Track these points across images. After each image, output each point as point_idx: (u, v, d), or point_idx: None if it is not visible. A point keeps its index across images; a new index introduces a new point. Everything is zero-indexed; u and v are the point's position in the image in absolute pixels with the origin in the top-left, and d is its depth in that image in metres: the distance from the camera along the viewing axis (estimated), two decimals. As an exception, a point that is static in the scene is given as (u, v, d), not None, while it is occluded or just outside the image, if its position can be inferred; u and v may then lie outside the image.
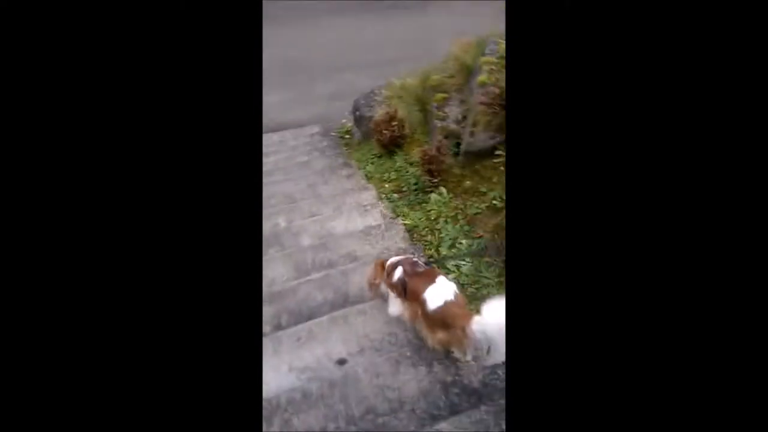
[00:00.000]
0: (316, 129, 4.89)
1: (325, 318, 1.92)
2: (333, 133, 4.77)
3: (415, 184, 2.99)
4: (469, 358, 1.58)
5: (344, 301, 2.11)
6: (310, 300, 2.12)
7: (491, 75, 2.83)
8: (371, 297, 1.96)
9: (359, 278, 2.19)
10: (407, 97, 3.76)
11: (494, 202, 2.41)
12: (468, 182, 2.65)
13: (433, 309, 1.49)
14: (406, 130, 3.47)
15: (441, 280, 1.55)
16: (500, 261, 2.13)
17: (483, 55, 3.09)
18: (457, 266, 2.20)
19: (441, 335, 1.50)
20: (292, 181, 3.55)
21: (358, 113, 4.07)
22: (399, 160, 3.37)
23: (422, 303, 1.52)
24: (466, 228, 2.40)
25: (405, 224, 2.59)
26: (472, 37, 3.68)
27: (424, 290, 1.52)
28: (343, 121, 4.98)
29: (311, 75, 6.00)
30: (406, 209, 2.77)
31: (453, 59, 3.58)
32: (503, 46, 3.05)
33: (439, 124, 3.15)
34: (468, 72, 3.37)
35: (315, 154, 4.21)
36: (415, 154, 3.37)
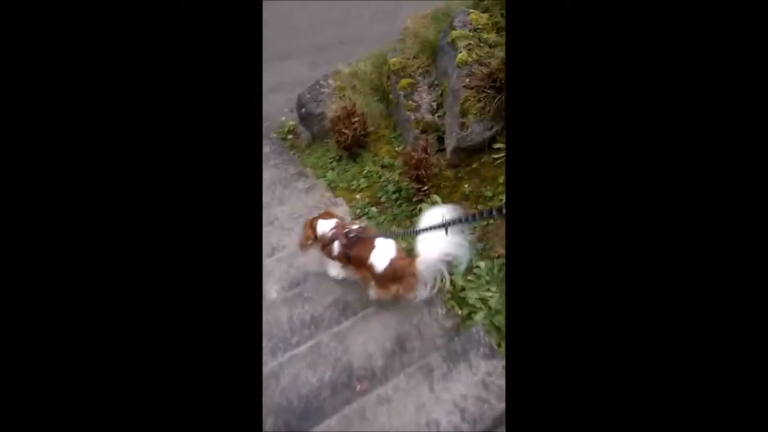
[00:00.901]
0: (252, 132, 4.06)
1: (333, 420, 1.31)
2: (274, 135, 3.99)
3: (396, 192, 2.40)
4: (419, 295, 1.60)
5: (349, 377, 1.50)
6: (301, 384, 1.48)
7: (471, 52, 2.30)
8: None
9: (363, 339, 1.59)
10: (362, 87, 3.12)
11: (506, 208, 1.92)
12: (466, 186, 2.13)
13: (383, 270, 1.56)
14: (370, 127, 2.85)
15: (380, 242, 1.61)
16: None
17: (453, 28, 2.54)
18: (483, 300, 1.68)
19: (394, 288, 1.58)
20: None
21: (304, 110, 3.35)
22: (367, 164, 2.75)
23: (370, 267, 1.58)
24: (480, 246, 1.88)
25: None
26: (428, 9, 3.13)
27: (368, 257, 1.58)
28: (283, 118, 4.21)
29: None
30: (394, 227, 2.19)
31: (411, 37, 2.99)
32: (475, 16, 2.52)
33: (412, 116, 2.57)
34: (432, 50, 2.81)
35: (258, 163, 3.43)
36: (384, 153, 2.79)
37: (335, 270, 1.80)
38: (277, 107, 4.35)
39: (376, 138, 2.91)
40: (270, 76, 4.97)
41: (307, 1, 6.01)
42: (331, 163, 3.03)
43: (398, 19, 5.41)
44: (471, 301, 1.69)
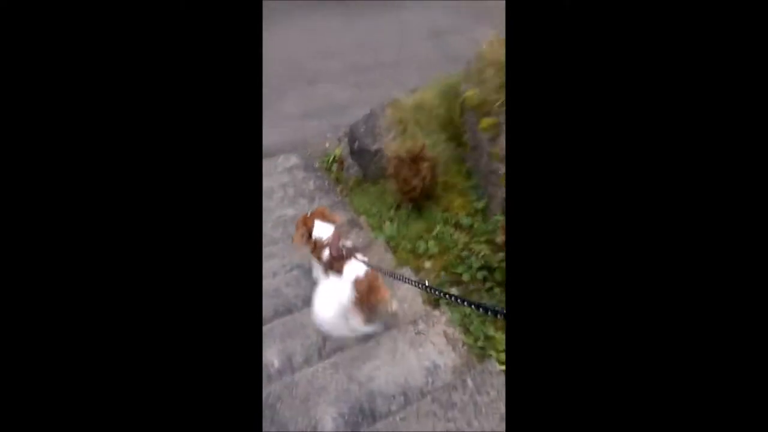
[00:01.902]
0: (293, 159, 3.52)
1: None
2: (318, 165, 3.46)
3: (482, 268, 1.80)
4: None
5: None
6: None
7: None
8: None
9: None
10: (428, 122, 2.55)
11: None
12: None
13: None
14: (440, 175, 2.27)
15: (352, 261, 1.58)
16: None
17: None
18: None
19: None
20: (275, 257, 2.24)
21: (357, 144, 2.81)
22: (437, 221, 2.17)
23: None
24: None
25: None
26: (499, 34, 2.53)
27: (342, 270, 1.57)
28: (327, 144, 3.69)
29: (275, 88, 4.55)
30: (487, 326, 1.59)
31: (489, 65, 2.40)
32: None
33: (500, 168, 1.98)
34: (520, 84, 2.22)
35: (301, 201, 2.89)
36: (458, 207, 2.20)
37: (317, 272, 1.80)
38: (318, 134, 3.84)
39: (445, 187, 2.33)
40: (302, 101, 4.43)
41: (333, 16, 5.53)
42: (388, 211, 2.46)
43: (443, 40, 4.88)
44: None
